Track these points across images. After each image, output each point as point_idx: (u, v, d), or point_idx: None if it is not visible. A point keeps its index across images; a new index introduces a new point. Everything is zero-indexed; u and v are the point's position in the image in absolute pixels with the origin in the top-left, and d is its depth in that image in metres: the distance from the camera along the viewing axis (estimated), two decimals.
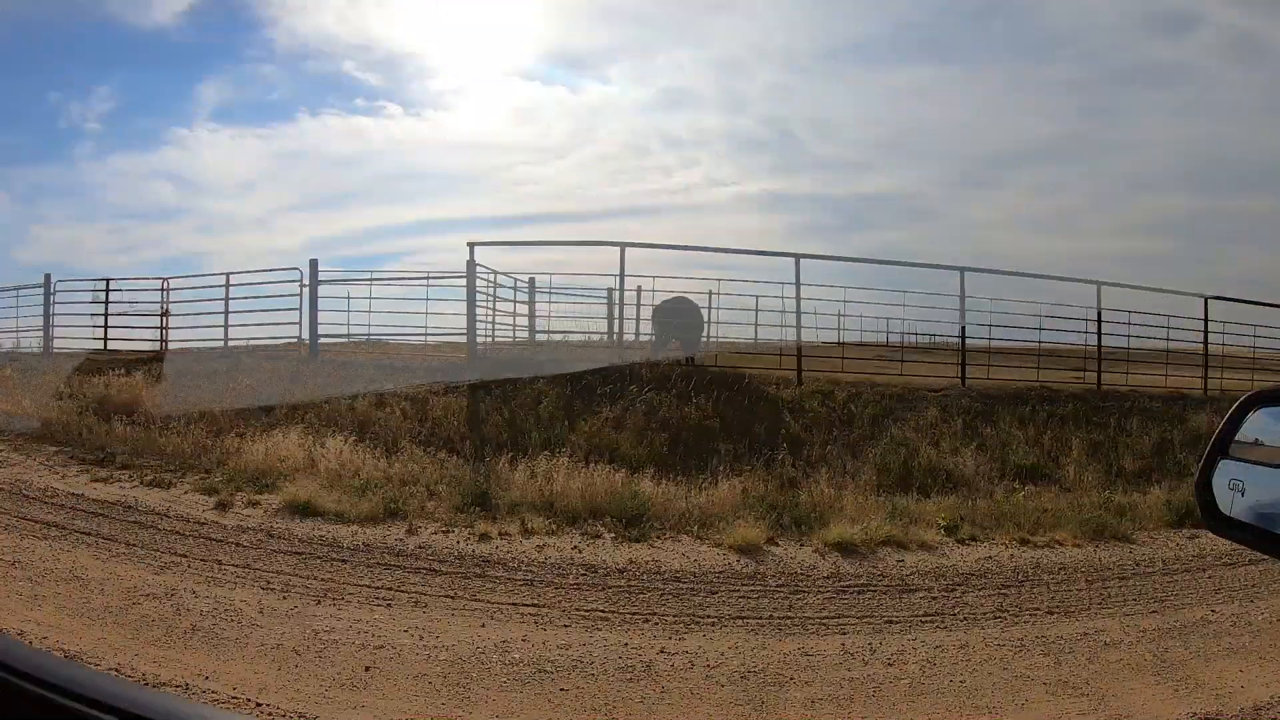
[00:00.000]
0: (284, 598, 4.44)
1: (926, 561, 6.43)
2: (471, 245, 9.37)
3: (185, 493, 5.70)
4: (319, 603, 4.48)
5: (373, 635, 4.25)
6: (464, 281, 9.39)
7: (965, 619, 5.55)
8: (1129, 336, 10.96)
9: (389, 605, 4.65)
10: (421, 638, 4.34)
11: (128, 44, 33.74)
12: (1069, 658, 5.00)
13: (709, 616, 5.23)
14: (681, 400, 9.19)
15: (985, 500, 7.74)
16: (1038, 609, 5.76)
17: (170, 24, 35.86)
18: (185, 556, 4.74)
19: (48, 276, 11.33)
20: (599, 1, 40.18)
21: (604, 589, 5.40)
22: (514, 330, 11.22)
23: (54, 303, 11.08)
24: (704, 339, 11.05)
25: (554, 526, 6.37)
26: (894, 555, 6.48)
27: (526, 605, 5.00)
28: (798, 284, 9.94)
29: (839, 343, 10.50)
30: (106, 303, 10.81)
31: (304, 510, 5.57)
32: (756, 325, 11.11)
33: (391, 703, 3.65)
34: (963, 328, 10.23)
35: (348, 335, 9.96)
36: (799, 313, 10.00)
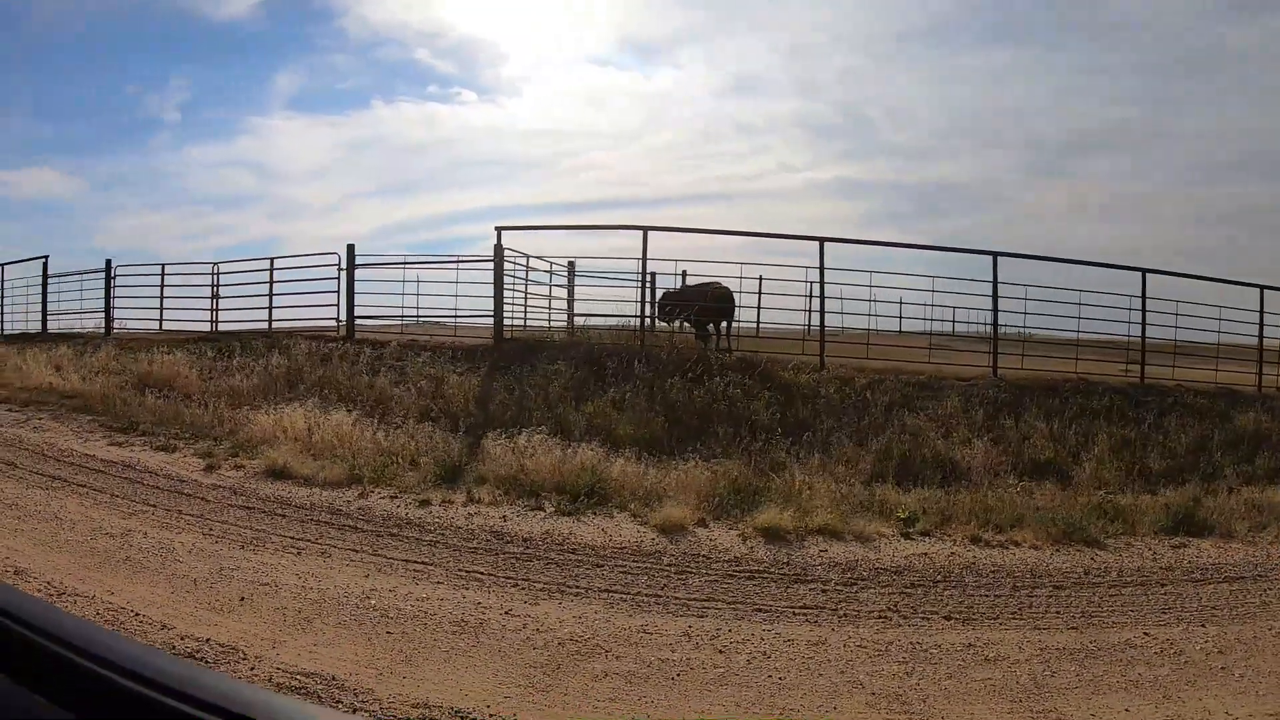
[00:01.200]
0: (216, 542, 5.88)
1: (851, 553, 6.66)
2: (499, 229, 10.60)
3: (185, 456, 7.33)
4: (242, 548, 5.86)
5: (266, 575, 5.54)
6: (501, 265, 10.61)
7: (844, 615, 5.82)
8: (1176, 328, 10.49)
9: (298, 553, 5.93)
10: (305, 580, 5.56)
11: (203, 36, 38.00)
12: (927, 669, 5.12)
13: (578, 588, 5.95)
14: (693, 384, 9.78)
15: (973, 494, 7.65)
16: (935, 613, 5.87)
17: (244, 15, 39.89)
18: (154, 507, 6.29)
19: (108, 262, 13.74)
20: None
21: (499, 554, 6.29)
22: (549, 314, 12.32)
23: (114, 287, 13.43)
24: (724, 323, 11.46)
25: (500, 497, 7.32)
26: (821, 545, 6.78)
27: (417, 563, 6.05)
28: (821, 268, 10.16)
29: (866, 329, 10.53)
30: (162, 286, 13.10)
31: (279, 473, 7.02)
32: (810, 310, 11.35)
33: (239, 624, 4.88)
34: (995, 315, 9.97)
35: (384, 317, 11.57)
36: (823, 297, 10.24)
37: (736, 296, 11.28)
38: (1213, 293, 10.58)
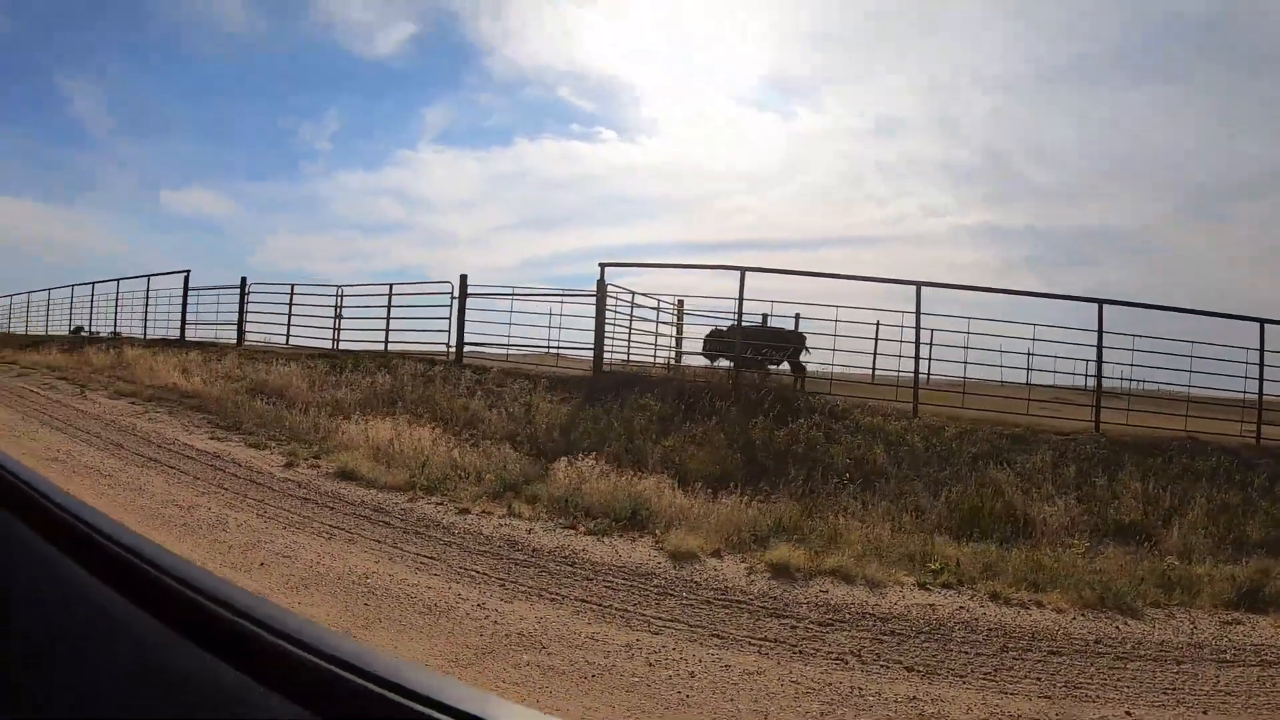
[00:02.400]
0: (266, 522, 7.42)
1: (850, 597, 6.87)
2: (602, 265, 11.85)
3: (271, 454, 9.02)
4: (284, 528, 7.36)
5: (291, 550, 6.94)
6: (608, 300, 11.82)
7: (800, 653, 6.08)
8: None
9: (329, 538, 7.32)
10: (322, 558, 6.90)
11: (354, 72, 42.64)
12: (848, 714, 5.31)
13: (557, 594, 6.72)
14: (777, 424, 10.22)
15: (1030, 552, 7.42)
16: (899, 663, 5.96)
17: (393, 53, 44.42)
18: (226, 490, 7.93)
19: (243, 280, 16.18)
20: (814, 27, 39.30)
21: (502, 559, 7.25)
22: (655, 350, 13.18)
23: (248, 302, 15.82)
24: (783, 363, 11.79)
25: (540, 514, 8.28)
26: (824, 586, 7.02)
27: (426, 557, 7.18)
28: (918, 313, 10.42)
29: (963, 378, 10.44)
30: (290, 305, 15.36)
31: (347, 475, 8.52)
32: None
33: (247, 581, 6.25)
34: (1099, 366, 9.57)
35: (493, 345, 12.99)
36: (918, 343, 10.40)
37: (833, 340, 11.61)
38: None
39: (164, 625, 1.18)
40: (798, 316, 12.48)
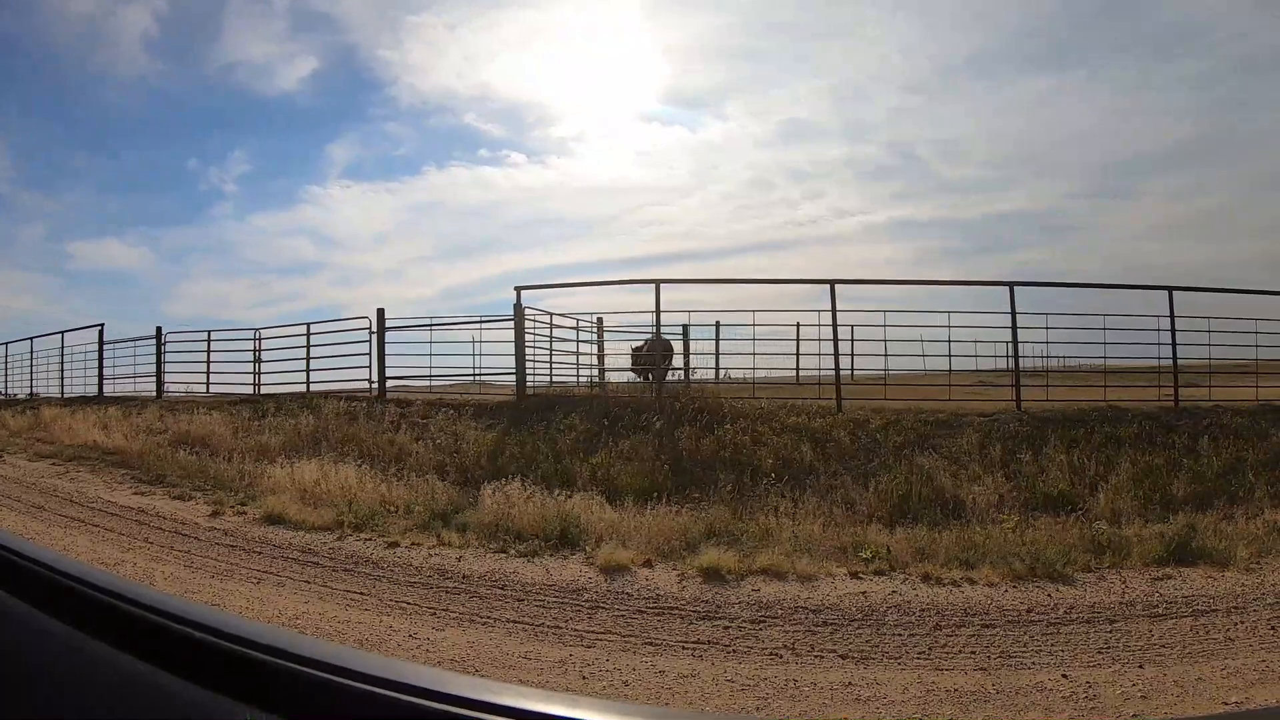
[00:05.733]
0: (193, 572, 7.23)
1: (782, 592, 6.87)
2: (518, 289, 11.88)
3: (197, 504, 8.93)
4: (212, 577, 7.16)
5: (220, 598, 6.73)
6: (526, 324, 11.75)
7: (734, 652, 6.05)
8: (1209, 345, 10.56)
9: (257, 582, 7.13)
10: (251, 603, 6.71)
11: (258, 111, 42.07)
12: (783, 705, 5.29)
13: (489, 618, 6.63)
14: (703, 432, 10.18)
15: (959, 532, 7.48)
16: (833, 651, 5.97)
17: (295, 90, 44.05)
18: (152, 544, 7.80)
19: (159, 329, 15.84)
20: (712, 39, 40.90)
21: (433, 589, 7.14)
22: (577, 370, 13.11)
23: (165, 353, 15.51)
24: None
25: (470, 541, 8.17)
26: (756, 584, 7.01)
27: (355, 593, 7.04)
28: (834, 310, 10.76)
29: (884, 370, 10.73)
30: (208, 352, 15.16)
31: (275, 519, 8.39)
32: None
33: None
34: (1015, 347, 10.24)
35: (416, 377, 12.86)
36: (835, 340, 10.66)
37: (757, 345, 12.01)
38: (1249, 306, 10.64)
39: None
40: (718, 324, 13.01)
